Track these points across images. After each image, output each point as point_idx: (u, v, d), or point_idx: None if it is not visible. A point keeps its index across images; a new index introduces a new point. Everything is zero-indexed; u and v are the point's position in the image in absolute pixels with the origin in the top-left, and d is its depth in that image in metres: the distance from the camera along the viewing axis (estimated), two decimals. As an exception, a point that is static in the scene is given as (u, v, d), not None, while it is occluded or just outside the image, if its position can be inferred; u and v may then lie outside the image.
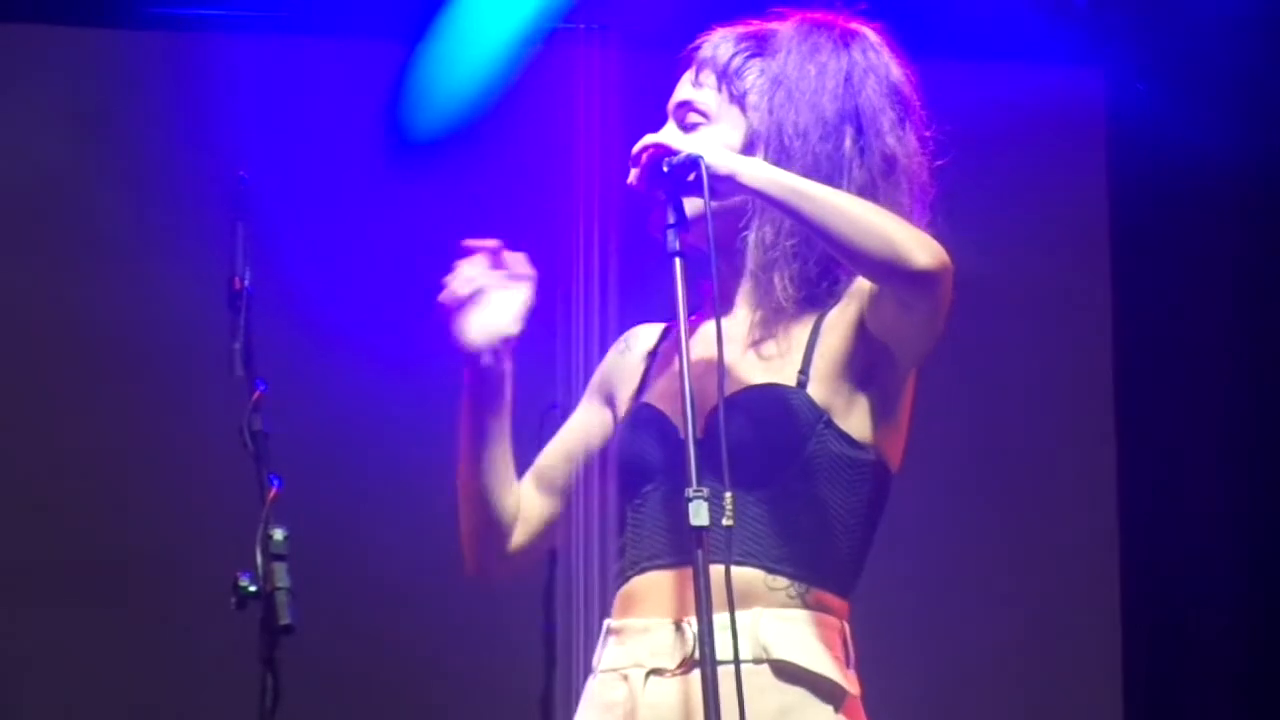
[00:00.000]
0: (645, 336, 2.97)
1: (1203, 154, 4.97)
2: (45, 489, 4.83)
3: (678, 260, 2.69)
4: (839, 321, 2.82)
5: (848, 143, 2.86)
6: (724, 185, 2.70)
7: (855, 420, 2.80)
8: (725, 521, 2.54)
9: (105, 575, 4.80)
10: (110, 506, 4.83)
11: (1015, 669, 5.13)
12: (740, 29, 2.93)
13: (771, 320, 2.82)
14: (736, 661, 2.56)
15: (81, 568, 4.80)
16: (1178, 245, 5.16)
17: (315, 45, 4.96)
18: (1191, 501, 5.11)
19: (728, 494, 2.54)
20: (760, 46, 2.91)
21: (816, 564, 2.78)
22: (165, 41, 4.97)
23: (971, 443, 5.10)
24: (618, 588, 2.82)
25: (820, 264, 2.83)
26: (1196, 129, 4.96)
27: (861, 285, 2.80)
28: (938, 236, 2.73)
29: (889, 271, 2.68)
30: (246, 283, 2.61)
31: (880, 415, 2.82)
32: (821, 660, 2.76)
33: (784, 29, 2.92)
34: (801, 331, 2.81)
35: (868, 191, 2.82)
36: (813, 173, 2.77)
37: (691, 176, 2.70)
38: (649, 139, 2.76)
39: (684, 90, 2.90)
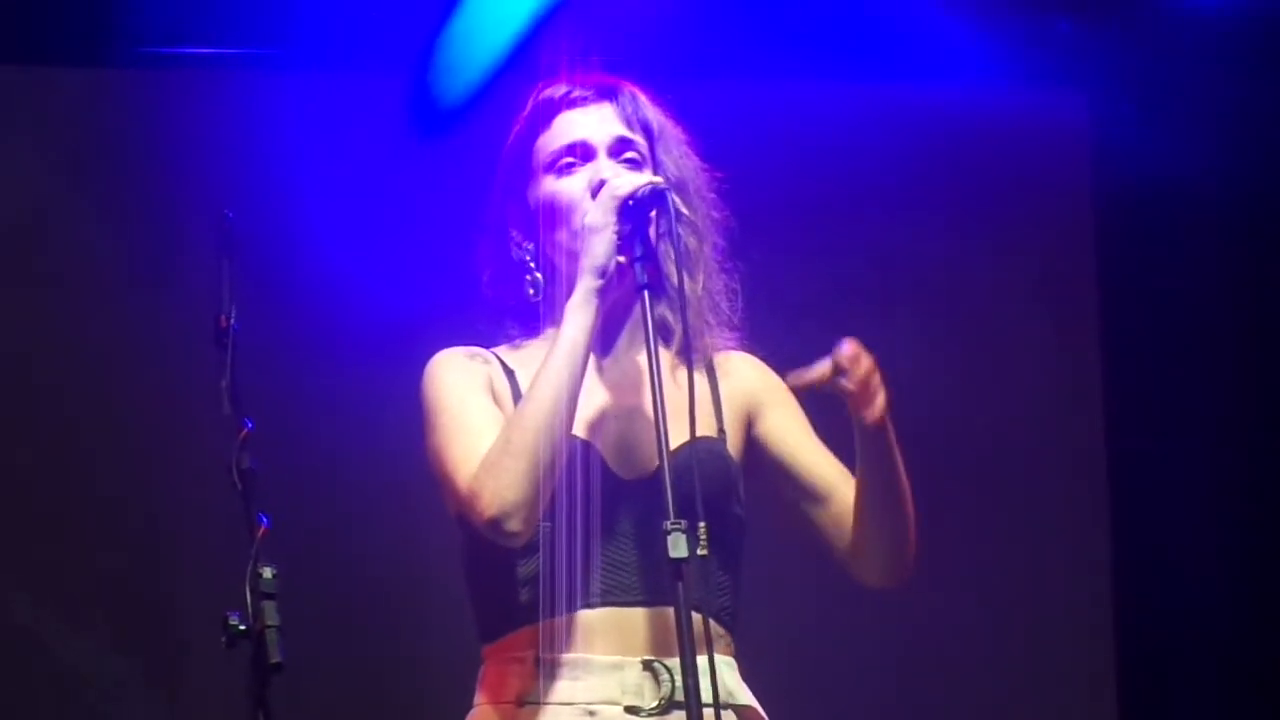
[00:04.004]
0: (489, 356, 2.92)
1: (1186, 173, 4.98)
2: (32, 526, 4.82)
3: (646, 293, 2.71)
4: (736, 400, 2.92)
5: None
6: (874, 442, 2.76)
7: (743, 484, 2.89)
8: (700, 551, 2.55)
9: (93, 614, 4.79)
10: (98, 544, 4.82)
11: (1007, 678, 5.14)
12: (638, 90, 2.97)
13: (663, 366, 2.76)
14: (717, 705, 2.57)
15: (69, 606, 4.79)
16: (1163, 262, 5.17)
17: (301, 82, 4.97)
18: (1183, 511, 5.12)
19: (702, 524, 2.55)
20: (656, 117, 2.96)
21: (734, 615, 2.85)
22: (150, 80, 4.98)
23: (962, 455, 5.10)
24: (539, 618, 2.76)
25: (720, 316, 2.93)
26: (1180, 149, 4.98)
27: (762, 406, 2.93)
28: None
29: (879, 572, 2.89)
30: (233, 320, 2.60)
31: (752, 486, 2.91)
32: (761, 710, 2.83)
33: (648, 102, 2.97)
34: (696, 382, 2.77)
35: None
36: (704, 228, 2.91)
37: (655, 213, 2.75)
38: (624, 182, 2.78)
39: (615, 127, 2.91)
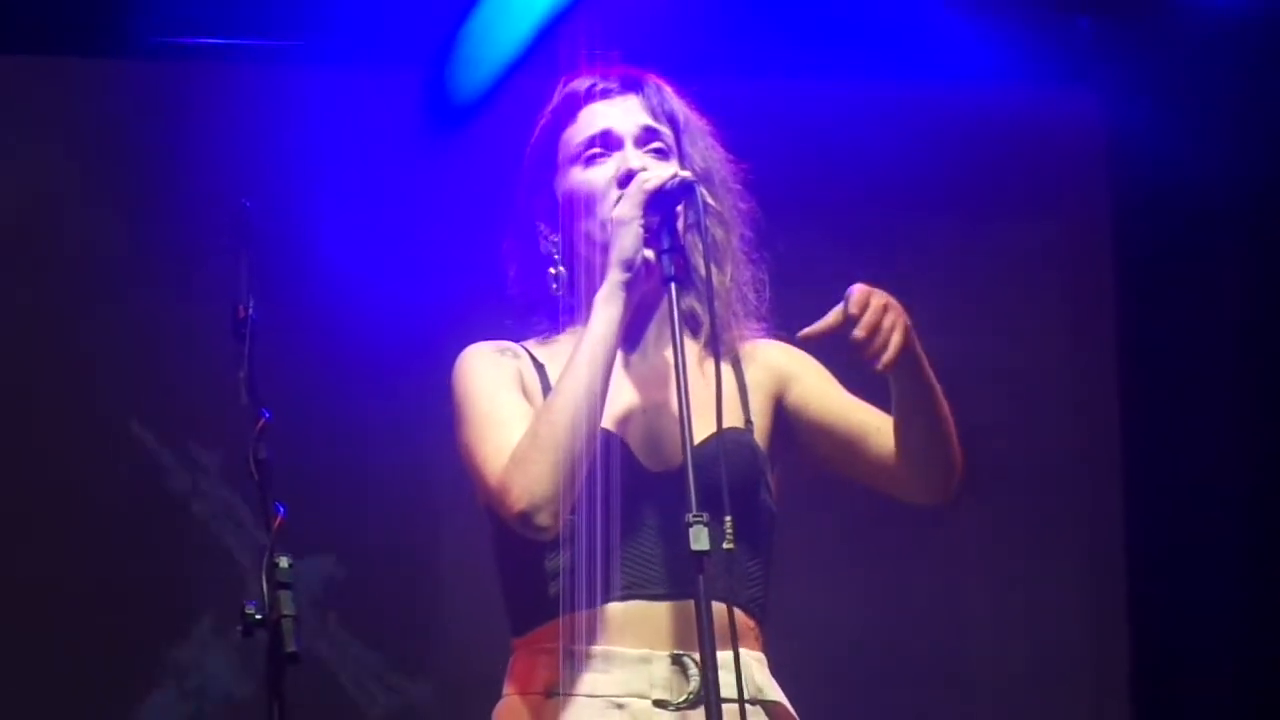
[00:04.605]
0: (519, 350, 2.92)
1: (1203, 169, 4.97)
2: (48, 516, 4.83)
3: (673, 285, 2.71)
4: (763, 387, 2.92)
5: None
6: (909, 368, 2.73)
7: (773, 474, 2.89)
8: (726, 545, 2.54)
9: (110, 604, 4.79)
10: (115, 534, 4.83)
11: (1021, 676, 5.13)
12: (663, 82, 2.98)
13: (690, 358, 2.76)
14: (742, 701, 2.57)
15: (85, 597, 4.79)
16: (1180, 259, 5.17)
17: (318, 73, 4.97)
18: (1199, 508, 5.11)
19: (728, 518, 2.54)
20: (681, 109, 2.97)
21: (765, 608, 2.85)
22: (168, 71, 4.98)
23: (975, 455, 5.07)
24: (574, 609, 2.75)
25: (747, 307, 2.92)
26: (1197, 145, 4.97)
27: (791, 378, 2.92)
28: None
29: (926, 492, 2.86)
30: (250, 311, 2.60)
31: (779, 475, 2.91)
32: (790, 707, 2.83)
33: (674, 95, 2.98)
34: (723, 373, 2.76)
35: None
36: (731, 219, 2.92)
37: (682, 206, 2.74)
38: (651, 173, 2.78)
39: (641, 118, 2.92)
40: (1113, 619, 5.18)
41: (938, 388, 2.79)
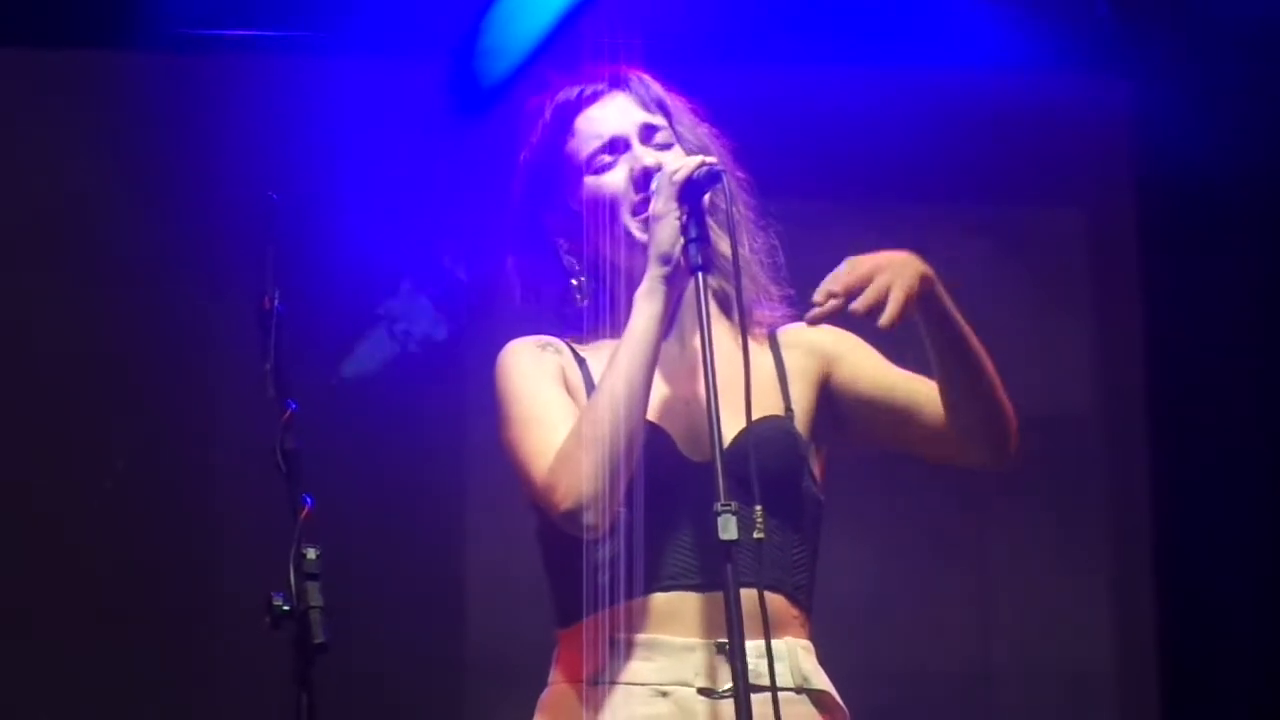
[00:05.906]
0: (561, 345, 2.93)
1: (1228, 153, 4.96)
2: (77, 511, 4.84)
3: (700, 275, 2.71)
4: (805, 372, 2.92)
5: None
6: (926, 296, 2.72)
7: (817, 461, 2.89)
8: (756, 535, 2.55)
9: (138, 596, 4.80)
10: (143, 527, 4.84)
11: (1047, 688, 5.13)
12: (649, 78, 2.99)
13: (719, 343, 2.75)
14: (774, 689, 2.57)
15: (113, 589, 4.80)
16: (1206, 247, 5.14)
17: (341, 64, 4.97)
18: (1228, 513, 5.09)
19: (758, 508, 2.55)
20: (665, 94, 2.98)
21: (810, 595, 2.85)
22: (190, 63, 4.99)
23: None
24: (613, 601, 2.77)
25: (777, 289, 2.93)
26: (1221, 128, 4.95)
27: (836, 359, 2.92)
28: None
29: (985, 455, 2.85)
30: (276, 303, 2.61)
31: (823, 461, 2.91)
32: (837, 695, 2.83)
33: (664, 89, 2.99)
34: (756, 358, 2.77)
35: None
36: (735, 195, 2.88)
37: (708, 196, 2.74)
38: (678, 165, 2.78)
39: (638, 113, 2.93)
40: (1141, 619, 5.16)
41: (972, 339, 2.79)
